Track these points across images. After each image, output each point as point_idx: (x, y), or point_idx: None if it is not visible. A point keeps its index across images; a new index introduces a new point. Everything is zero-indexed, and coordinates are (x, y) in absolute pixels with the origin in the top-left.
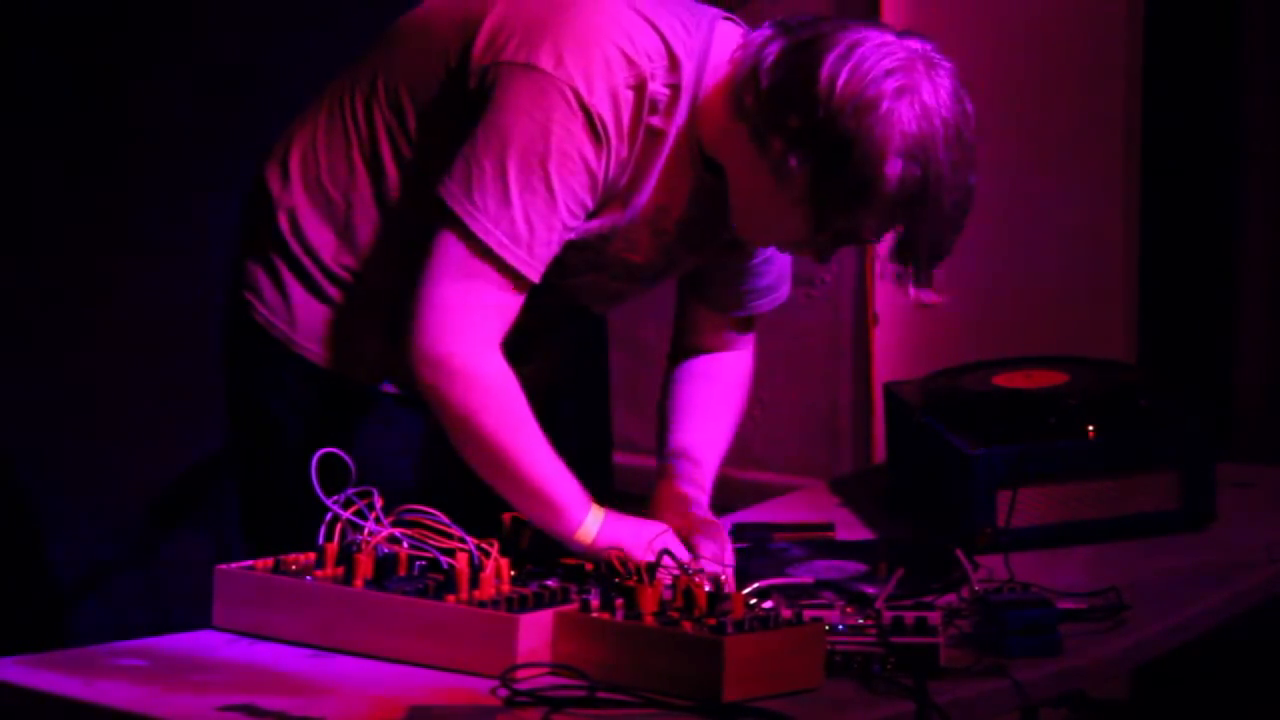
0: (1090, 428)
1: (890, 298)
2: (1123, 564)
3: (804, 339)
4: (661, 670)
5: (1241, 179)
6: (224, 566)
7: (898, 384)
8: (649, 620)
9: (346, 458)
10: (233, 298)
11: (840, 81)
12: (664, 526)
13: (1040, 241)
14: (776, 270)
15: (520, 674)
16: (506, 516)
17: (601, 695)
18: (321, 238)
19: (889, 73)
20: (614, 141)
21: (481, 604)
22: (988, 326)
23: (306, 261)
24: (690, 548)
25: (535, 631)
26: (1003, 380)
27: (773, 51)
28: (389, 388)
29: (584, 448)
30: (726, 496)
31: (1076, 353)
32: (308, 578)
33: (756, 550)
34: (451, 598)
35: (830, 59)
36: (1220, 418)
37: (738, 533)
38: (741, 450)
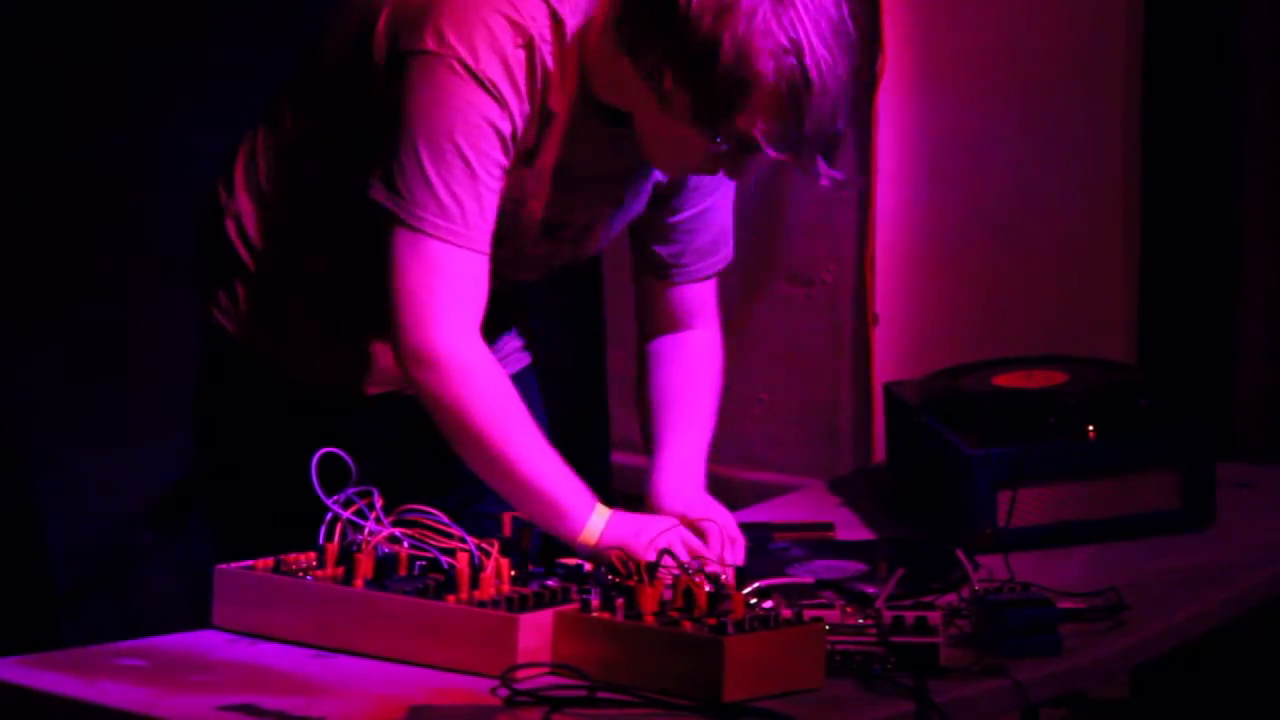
0: (1090, 428)
1: (890, 298)
2: (1123, 564)
3: (804, 339)
4: (662, 670)
5: (1242, 179)
6: (224, 566)
7: (898, 384)
8: (649, 620)
9: (346, 457)
10: (200, 307)
11: None
12: (670, 523)
13: (1040, 241)
14: (713, 228)
15: (520, 674)
16: (507, 516)
17: (602, 695)
18: (263, 235)
19: None
20: (512, 100)
21: (482, 604)
22: (988, 326)
23: (249, 261)
24: (700, 535)
25: (535, 631)
26: (1003, 380)
27: None
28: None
29: (582, 447)
30: (727, 496)
31: (1076, 353)
32: (308, 578)
33: (756, 550)
34: (451, 598)
35: None
36: (1220, 418)
37: None
38: (741, 450)
